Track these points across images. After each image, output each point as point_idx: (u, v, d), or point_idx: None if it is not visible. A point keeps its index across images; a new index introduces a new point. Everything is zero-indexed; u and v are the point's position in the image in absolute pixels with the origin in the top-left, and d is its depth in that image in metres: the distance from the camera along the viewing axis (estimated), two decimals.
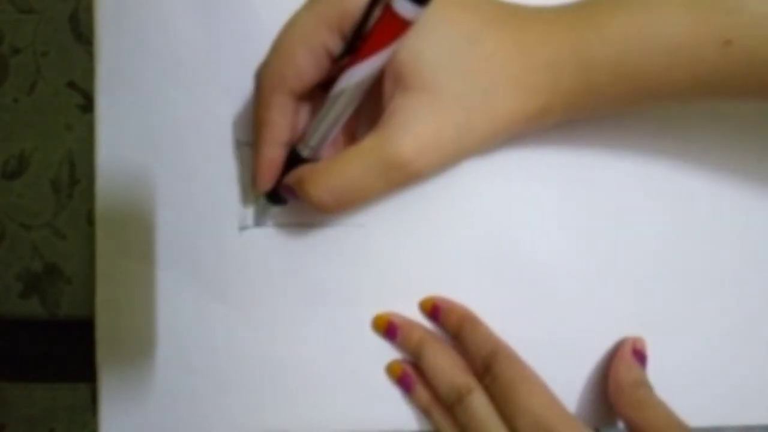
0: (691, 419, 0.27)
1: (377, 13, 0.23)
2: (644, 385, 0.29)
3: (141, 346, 0.30)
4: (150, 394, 0.30)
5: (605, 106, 0.25)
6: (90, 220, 0.31)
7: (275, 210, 0.30)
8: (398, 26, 0.22)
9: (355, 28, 0.24)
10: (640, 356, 0.30)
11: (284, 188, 0.28)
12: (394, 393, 0.31)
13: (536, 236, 0.30)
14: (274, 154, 0.27)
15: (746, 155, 0.31)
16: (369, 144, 0.25)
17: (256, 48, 0.30)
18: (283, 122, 0.26)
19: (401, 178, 0.25)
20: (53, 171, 0.32)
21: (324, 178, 0.25)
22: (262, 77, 0.26)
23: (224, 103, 0.30)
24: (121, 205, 0.30)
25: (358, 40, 0.24)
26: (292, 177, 0.27)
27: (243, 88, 0.30)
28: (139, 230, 0.30)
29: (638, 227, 0.31)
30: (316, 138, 0.26)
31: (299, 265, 0.30)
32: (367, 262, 0.30)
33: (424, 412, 0.30)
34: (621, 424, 0.30)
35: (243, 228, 0.30)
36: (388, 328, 0.30)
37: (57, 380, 0.32)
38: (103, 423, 0.30)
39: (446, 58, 0.24)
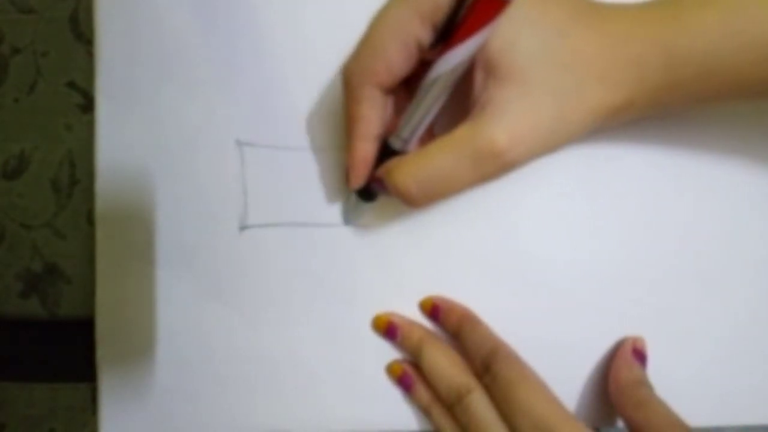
0: (691, 419, 0.27)
1: None
2: (645, 384, 0.29)
3: (141, 346, 0.30)
4: (150, 394, 0.30)
5: (689, 101, 0.25)
6: (90, 220, 0.31)
7: (366, 208, 0.29)
8: (495, 7, 0.22)
9: (448, 17, 0.24)
10: (640, 356, 0.30)
11: (374, 181, 0.28)
12: (394, 393, 0.31)
13: (536, 236, 0.30)
14: (366, 149, 0.27)
15: (745, 156, 0.31)
16: (462, 133, 0.25)
17: (256, 48, 0.30)
18: (375, 116, 0.26)
19: (493, 168, 0.25)
20: (53, 171, 0.32)
21: (412, 167, 0.25)
22: (352, 72, 0.26)
23: (224, 103, 0.30)
24: (121, 205, 0.30)
25: (452, 28, 0.24)
26: (381, 169, 0.27)
27: (243, 87, 0.30)
28: (139, 230, 0.30)
29: (638, 227, 0.31)
30: (409, 129, 0.26)
31: (299, 265, 0.30)
32: (367, 262, 0.30)
33: (424, 411, 0.30)
34: (621, 424, 0.30)
35: (243, 228, 0.30)
36: (388, 328, 0.30)
37: (57, 380, 0.32)
38: (103, 423, 0.30)
39: (540, 50, 0.24)
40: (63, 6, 0.32)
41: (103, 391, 0.30)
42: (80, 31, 0.32)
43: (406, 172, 0.25)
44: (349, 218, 0.30)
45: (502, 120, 0.24)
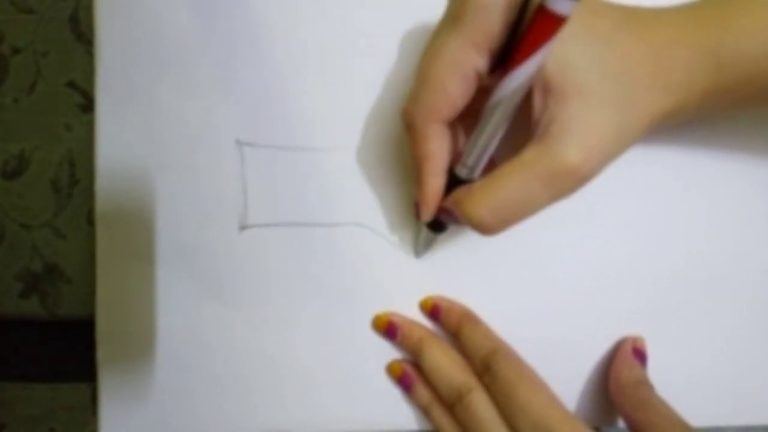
0: (691, 419, 0.27)
1: (527, 17, 0.23)
2: (645, 384, 0.29)
3: (141, 346, 0.30)
4: (149, 394, 0.30)
5: (738, 104, 0.25)
6: (90, 220, 0.31)
7: (435, 240, 0.30)
8: (553, 25, 0.22)
9: (504, 42, 0.24)
10: (640, 355, 0.30)
11: (442, 212, 0.27)
12: (394, 393, 0.31)
13: (536, 236, 0.30)
14: (437, 184, 0.27)
15: (748, 156, 0.31)
16: (530, 156, 0.24)
17: (256, 48, 0.30)
18: (443, 151, 0.26)
19: (568, 186, 0.24)
20: (53, 171, 0.32)
21: (483, 197, 0.25)
22: (415, 114, 0.26)
23: (224, 103, 0.30)
24: (121, 205, 0.30)
25: (509, 50, 0.24)
26: (450, 200, 0.26)
27: (243, 87, 0.30)
28: (139, 230, 0.30)
29: (639, 227, 0.31)
30: (474, 156, 0.26)
31: (299, 265, 0.30)
32: (367, 262, 0.30)
33: (424, 411, 0.30)
34: (622, 424, 0.30)
35: (243, 228, 0.30)
36: (388, 328, 0.30)
37: (57, 380, 0.32)
38: (103, 423, 0.30)
39: (593, 63, 0.24)
40: (63, 6, 0.32)
41: (103, 391, 0.30)
42: (80, 31, 0.32)
43: (477, 201, 0.25)
44: (419, 250, 0.30)
45: (571, 137, 0.24)
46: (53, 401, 0.32)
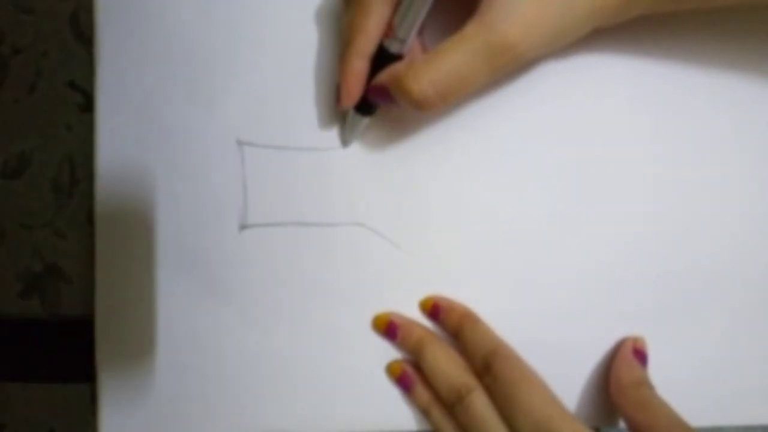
0: (691, 419, 0.27)
1: None
2: (646, 384, 0.29)
3: (141, 346, 0.30)
4: (149, 394, 0.30)
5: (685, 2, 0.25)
6: (90, 220, 0.31)
7: (363, 125, 0.29)
8: None
9: None
10: (641, 356, 0.30)
11: (375, 92, 0.27)
12: (394, 393, 0.31)
13: (537, 236, 0.30)
14: (361, 65, 0.26)
15: (750, 155, 0.31)
16: (471, 30, 0.24)
17: (256, 48, 0.30)
18: (376, 31, 0.26)
19: (507, 61, 0.25)
20: (53, 171, 0.32)
21: (425, 71, 0.25)
22: None
23: (224, 103, 0.30)
24: (121, 205, 0.30)
25: None
26: (384, 76, 0.26)
27: (243, 87, 0.30)
28: (139, 230, 0.30)
29: (639, 227, 0.31)
30: (405, 28, 0.25)
31: (299, 265, 0.30)
32: (367, 262, 0.30)
33: (424, 411, 0.30)
34: (622, 424, 0.30)
35: (243, 228, 0.30)
36: (388, 328, 0.30)
37: (57, 380, 0.32)
38: (103, 423, 0.30)
39: None
40: (63, 6, 0.32)
41: (103, 391, 0.30)
42: (80, 31, 0.32)
43: (420, 75, 0.25)
44: (346, 138, 0.29)
45: (512, 12, 0.24)
46: (53, 401, 0.32)
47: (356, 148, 0.30)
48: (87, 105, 0.32)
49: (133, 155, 0.30)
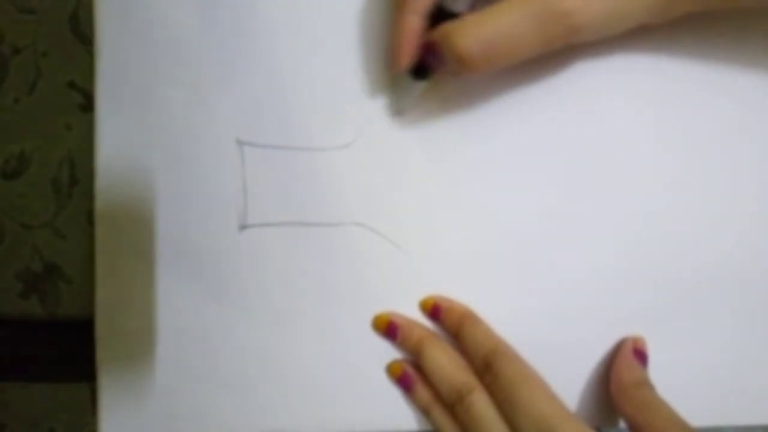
0: (691, 419, 0.27)
1: None
2: (646, 384, 0.29)
3: (141, 346, 0.30)
4: (149, 394, 0.30)
5: None
6: (90, 220, 0.31)
7: (417, 91, 0.28)
8: None
9: None
10: (641, 356, 0.30)
11: (428, 51, 0.26)
12: (394, 393, 0.31)
13: (537, 237, 0.30)
14: (416, 22, 0.25)
15: (752, 155, 0.31)
16: None
17: (256, 48, 0.30)
18: None
19: (558, 32, 0.24)
20: (53, 171, 0.32)
21: (473, 28, 0.24)
22: None
23: (224, 103, 0.30)
24: (121, 205, 0.30)
25: None
26: (438, 31, 0.25)
27: (243, 87, 0.30)
28: (139, 230, 0.30)
29: (639, 227, 0.31)
30: None
31: (299, 265, 0.30)
32: (367, 262, 0.30)
33: (424, 411, 0.30)
34: (622, 424, 0.30)
35: (243, 228, 0.30)
36: (388, 328, 0.30)
37: (57, 380, 0.32)
38: (103, 423, 0.30)
39: None
40: (63, 6, 0.32)
41: (103, 391, 0.30)
42: (80, 31, 0.32)
43: (468, 32, 0.24)
44: (401, 107, 0.28)
45: None
46: (53, 401, 0.32)
47: (357, 149, 0.30)
48: (87, 105, 0.32)
49: (133, 155, 0.30)
